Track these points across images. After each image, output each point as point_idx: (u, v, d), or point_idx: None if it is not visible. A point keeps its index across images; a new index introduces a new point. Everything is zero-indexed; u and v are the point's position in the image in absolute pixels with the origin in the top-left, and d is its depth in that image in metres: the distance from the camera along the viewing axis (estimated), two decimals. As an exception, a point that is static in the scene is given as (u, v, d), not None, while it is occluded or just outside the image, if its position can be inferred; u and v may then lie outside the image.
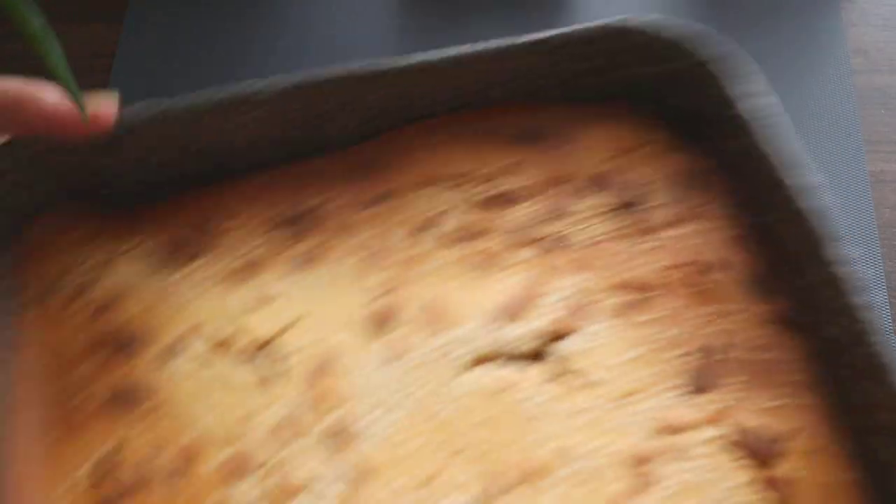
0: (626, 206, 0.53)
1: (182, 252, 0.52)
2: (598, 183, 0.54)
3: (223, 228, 0.53)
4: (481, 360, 0.48)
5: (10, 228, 0.52)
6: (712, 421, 0.46)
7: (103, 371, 0.48)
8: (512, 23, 0.71)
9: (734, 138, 0.51)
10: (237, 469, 0.45)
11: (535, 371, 0.48)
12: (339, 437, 0.46)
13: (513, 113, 0.56)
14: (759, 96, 0.51)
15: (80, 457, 0.46)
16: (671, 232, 0.52)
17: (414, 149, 0.55)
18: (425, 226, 0.53)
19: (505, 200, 0.53)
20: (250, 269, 0.51)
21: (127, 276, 0.51)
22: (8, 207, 0.51)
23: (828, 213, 0.46)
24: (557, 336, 0.49)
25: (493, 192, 0.54)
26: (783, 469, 0.45)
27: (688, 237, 0.52)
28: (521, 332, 0.49)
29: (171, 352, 0.48)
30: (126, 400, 0.47)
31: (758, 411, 0.46)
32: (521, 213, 0.53)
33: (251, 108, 0.51)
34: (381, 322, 0.49)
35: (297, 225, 0.53)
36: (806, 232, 0.47)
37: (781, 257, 0.50)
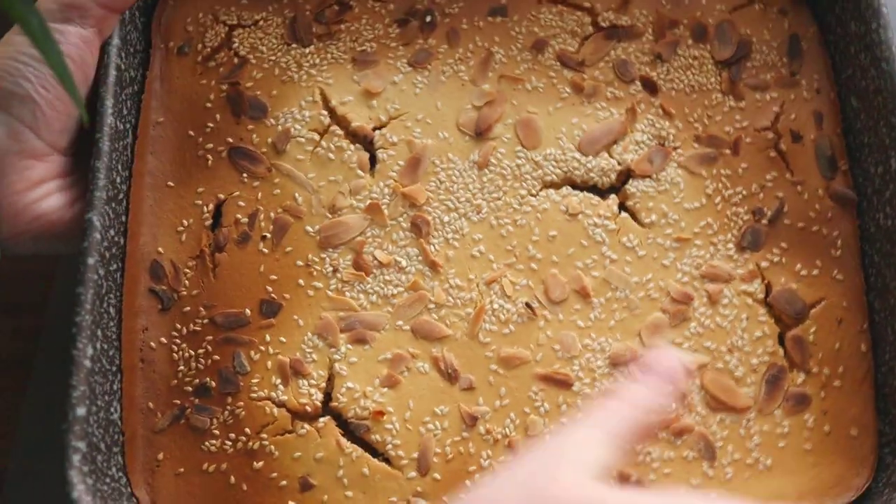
0: (725, 61, 0.56)
1: (306, 32, 0.56)
2: (705, 33, 0.56)
3: (346, 17, 0.56)
4: (561, 183, 0.54)
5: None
6: (747, 278, 0.52)
7: (228, 129, 0.54)
8: None
9: (856, 21, 0.53)
10: (329, 239, 0.52)
11: (608, 202, 0.53)
12: (417, 231, 0.52)
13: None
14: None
15: (201, 200, 0.53)
16: (757, 95, 0.55)
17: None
18: (536, 46, 0.56)
19: (614, 35, 0.56)
20: (364, 60, 0.56)
21: (258, 44, 0.55)
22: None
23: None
24: (634, 174, 0.54)
25: (604, 24, 0.56)
26: (799, 331, 0.51)
27: (771, 103, 0.55)
28: (604, 165, 0.54)
29: (284, 128, 0.54)
30: (243, 160, 0.53)
31: (790, 276, 0.52)
32: (626, 49, 0.56)
33: None
34: (477, 130, 0.54)
35: (413, 24, 0.56)
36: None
37: (861, 142, 0.53)
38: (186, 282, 0.52)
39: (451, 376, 0.50)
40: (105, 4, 0.49)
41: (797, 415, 0.50)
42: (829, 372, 0.51)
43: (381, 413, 0.49)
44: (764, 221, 0.53)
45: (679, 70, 0.56)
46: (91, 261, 0.47)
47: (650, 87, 0.55)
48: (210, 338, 0.51)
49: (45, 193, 0.48)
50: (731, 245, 0.53)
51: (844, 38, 0.55)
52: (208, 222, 0.53)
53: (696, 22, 0.56)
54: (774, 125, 0.55)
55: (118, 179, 0.51)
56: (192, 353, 0.51)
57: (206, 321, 0.51)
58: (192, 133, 0.54)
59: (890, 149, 0.50)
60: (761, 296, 0.52)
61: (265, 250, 0.53)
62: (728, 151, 0.54)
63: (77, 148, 0.51)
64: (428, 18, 0.56)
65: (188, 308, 0.51)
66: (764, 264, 0.52)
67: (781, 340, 0.51)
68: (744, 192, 0.54)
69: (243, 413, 0.50)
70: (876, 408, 0.50)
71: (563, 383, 0.50)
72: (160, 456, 0.49)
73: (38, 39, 0.36)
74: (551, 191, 0.54)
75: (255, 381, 0.50)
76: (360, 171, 0.54)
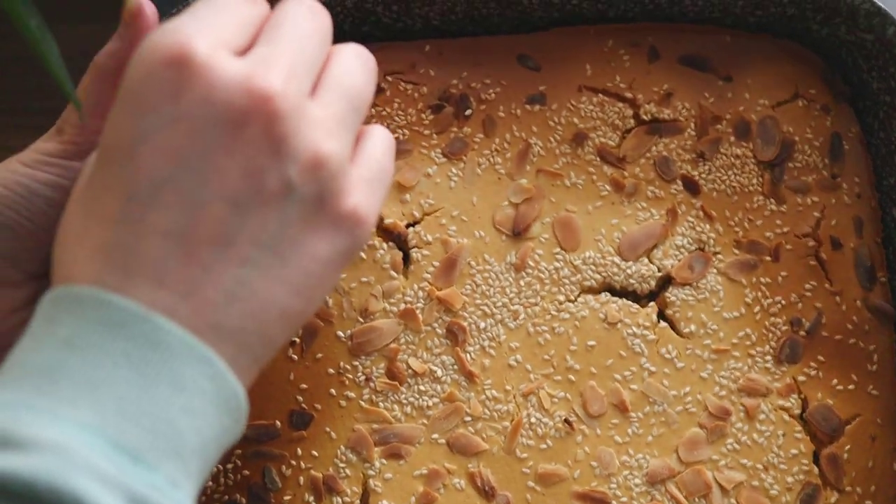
0: (768, 162, 0.54)
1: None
2: (748, 130, 0.54)
3: (377, 100, 0.53)
4: (599, 288, 0.52)
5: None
6: (784, 392, 0.52)
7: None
8: None
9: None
10: (361, 346, 0.50)
11: (647, 311, 0.52)
12: (452, 338, 0.51)
13: (685, 33, 0.55)
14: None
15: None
16: (799, 198, 0.54)
17: (575, 52, 0.55)
18: (575, 138, 0.54)
19: (656, 130, 0.54)
20: (397, 150, 0.52)
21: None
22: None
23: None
24: (675, 282, 0.53)
25: (645, 117, 0.54)
26: (834, 448, 0.51)
27: (812, 208, 0.54)
28: (644, 271, 0.52)
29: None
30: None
31: (826, 391, 0.52)
32: (668, 146, 0.54)
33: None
34: (514, 229, 0.52)
35: (448, 110, 0.54)
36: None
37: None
38: (212, 390, 0.49)
39: (487, 494, 0.50)
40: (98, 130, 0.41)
41: (830, 534, 0.51)
42: (862, 491, 0.51)
43: (419, 534, 0.49)
44: (802, 333, 0.52)
45: (721, 170, 0.54)
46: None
47: (691, 187, 0.54)
48: (239, 451, 0.49)
49: (19, 321, 0.45)
50: (769, 357, 0.52)
51: (888, 145, 0.54)
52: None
53: (739, 118, 0.54)
54: (815, 231, 0.54)
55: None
56: (221, 467, 0.49)
57: (234, 434, 0.49)
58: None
59: (936, 272, 0.50)
60: (798, 411, 0.52)
61: (294, 356, 0.51)
62: (768, 258, 0.53)
63: None
64: (468, 112, 0.54)
65: (215, 419, 0.49)
66: (801, 378, 0.52)
67: (816, 458, 0.52)
68: (783, 302, 0.53)
69: (276, 532, 0.49)
70: (905, 527, 0.51)
71: (600, 502, 0.50)
72: (190, 578, 0.48)
73: (36, 40, 0.36)
74: (589, 296, 0.52)
75: (287, 497, 0.49)
76: (393, 272, 0.52)
